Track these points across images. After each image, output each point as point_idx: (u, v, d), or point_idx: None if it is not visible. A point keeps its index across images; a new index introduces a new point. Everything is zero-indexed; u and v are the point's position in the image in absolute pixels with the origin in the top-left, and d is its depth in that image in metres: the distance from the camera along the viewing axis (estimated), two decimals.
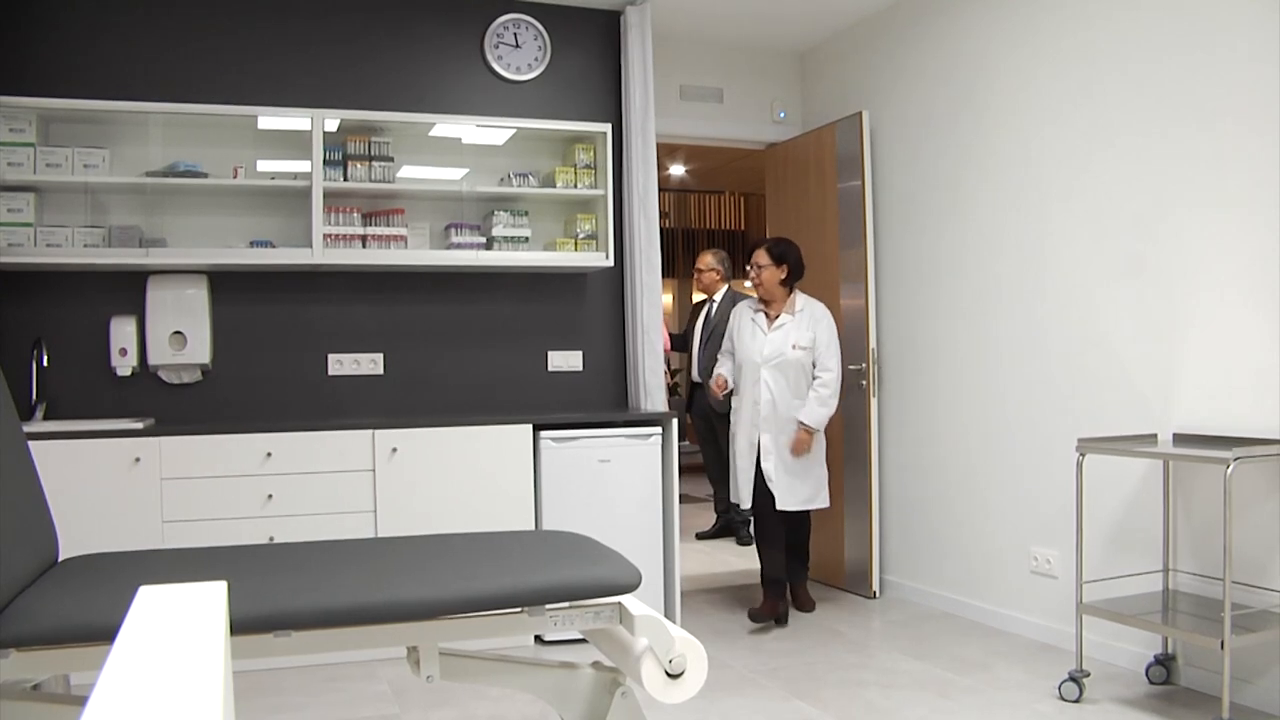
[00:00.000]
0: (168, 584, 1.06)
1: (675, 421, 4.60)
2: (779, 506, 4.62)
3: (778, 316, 4.70)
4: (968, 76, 4.71)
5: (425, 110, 4.85)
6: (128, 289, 4.46)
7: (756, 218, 11.12)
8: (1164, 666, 3.70)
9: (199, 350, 4.49)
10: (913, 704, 3.58)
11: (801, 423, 4.59)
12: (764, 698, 3.69)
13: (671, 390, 7.80)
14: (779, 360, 4.63)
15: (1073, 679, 3.56)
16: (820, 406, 4.60)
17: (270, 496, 4.09)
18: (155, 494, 3.96)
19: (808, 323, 4.67)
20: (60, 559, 2.15)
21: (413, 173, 4.83)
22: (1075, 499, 3.65)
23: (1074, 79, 4.13)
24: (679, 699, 1.93)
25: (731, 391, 4.86)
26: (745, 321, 4.79)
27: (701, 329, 6.60)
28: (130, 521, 3.91)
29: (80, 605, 1.73)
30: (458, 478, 4.30)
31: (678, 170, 10.34)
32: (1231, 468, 3.08)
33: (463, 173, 4.97)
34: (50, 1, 4.39)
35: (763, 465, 4.62)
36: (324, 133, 4.47)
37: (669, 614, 4.51)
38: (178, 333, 4.46)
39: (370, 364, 4.83)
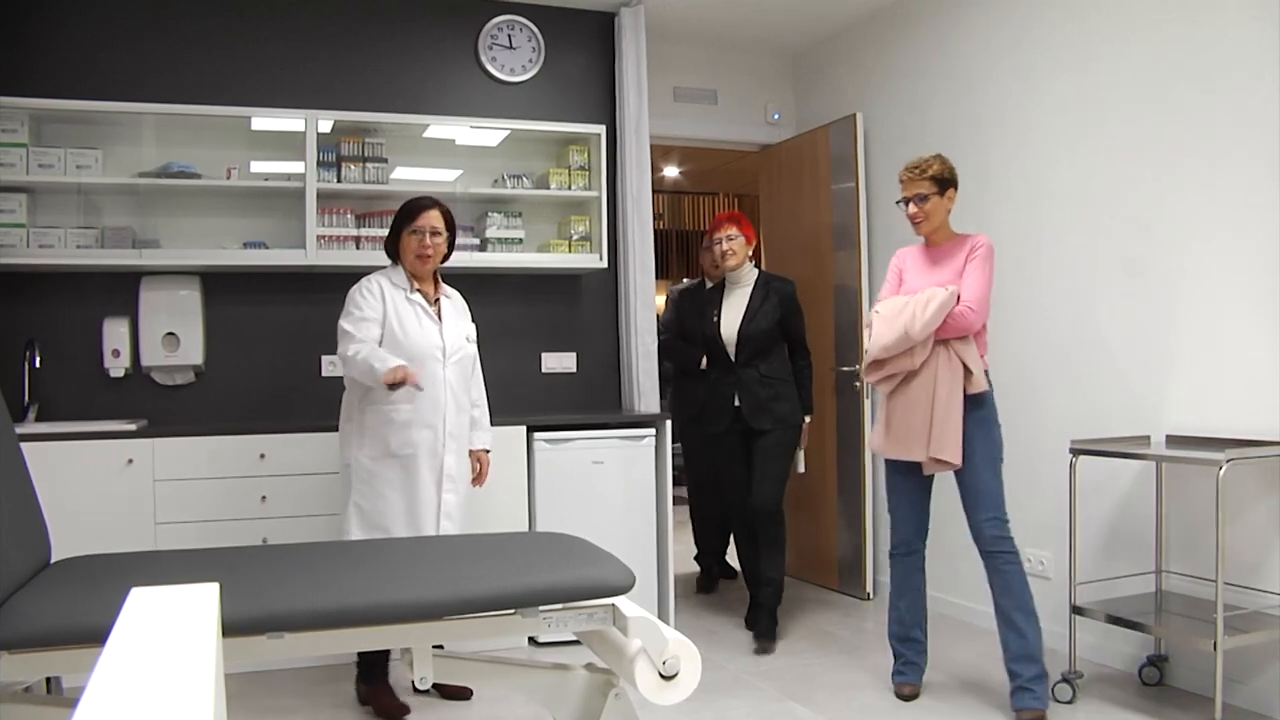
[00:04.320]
0: (160, 586, 1.06)
1: (669, 423, 4.60)
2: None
3: (436, 299, 3.67)
4: (962, 78, 4.72)
5: (419, 111, 4.84)
6: (121, 290, 4.45)
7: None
8: (1157, 668, 3.71)
9: (192, 351, 4.48)
10: (906, 705, 3.58)
11: (487, 451, 3.79)
12: (757, 699, 3.69)
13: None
14: (460, 356, 3.64)
15: (1066, 680, 3.57)
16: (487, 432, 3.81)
17: (264, 498, 4.08)
18: (148, 495, 3.95)
19: (462, 309, 3.78)
20: (53, 561, 2.14)
21: (406, 174, 4.83)
22: (1068, 501, 3.65)
23: (1069, 81, 4.14)
24: (672, 700, 1.94)
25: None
26: (401, 302, 3.57)
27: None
28: (123, 523, 3.90)
29: (72, 607, 1.73)
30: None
31: (671, 172, 10.34)
32: (1224, 469, 3.09)
33: (456, 174, 4.96)
34: (43, 2, 4.38)
35: (444, 498, 3.55)
36: (318, 134, 4.46)
37: (662, 615, 4.51)
38: (171, 334, 4.45)
39: None
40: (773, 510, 4.40)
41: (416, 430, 3.49)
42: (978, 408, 3.45)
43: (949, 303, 3.40)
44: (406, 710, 3.59)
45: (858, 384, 5.24)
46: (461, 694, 3.76)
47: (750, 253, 4.58)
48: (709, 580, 5.68)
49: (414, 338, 3.51)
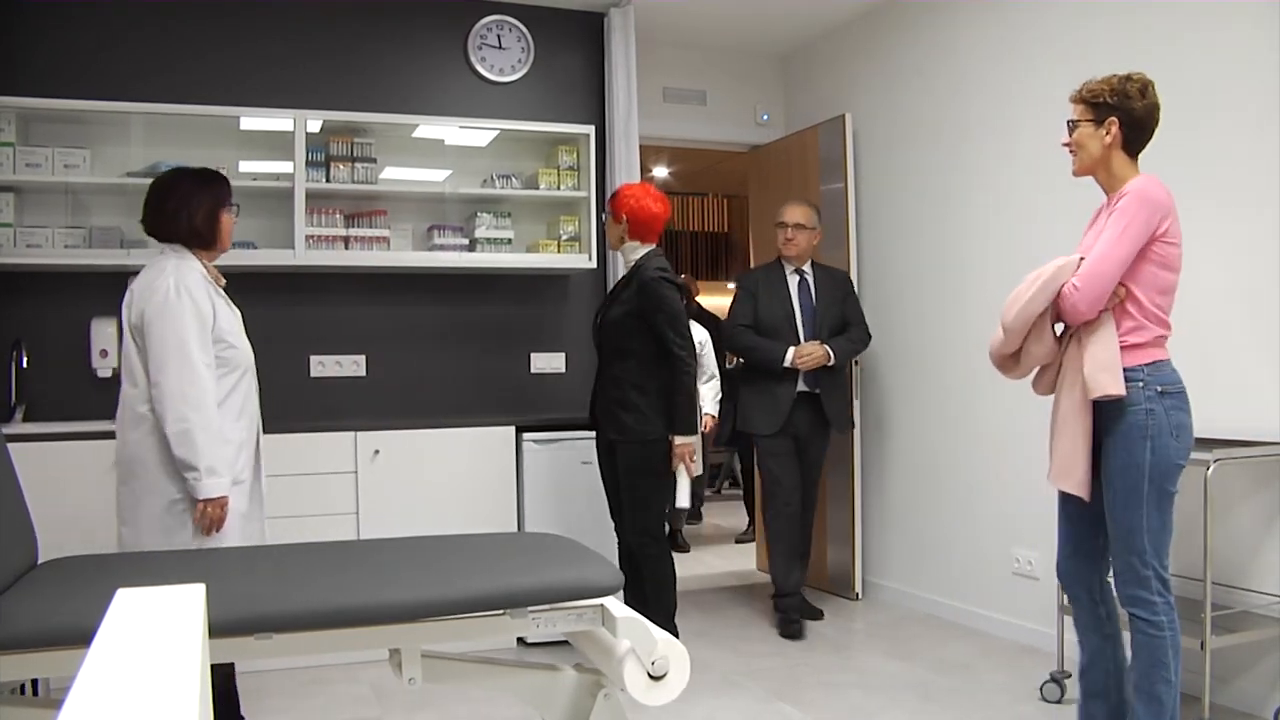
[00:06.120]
0: (146, 586, 1.06)
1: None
2: None
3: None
4: (951, 78, 4.73)
5: (408, 111, 4.83)
6: (109, 290, 4.41)
7: (739, 220, 11.13)
8: None
9: None
10: (895, 705, 3.59)
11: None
12: (747, 699, 3.69)
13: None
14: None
15: (1054, 680, 3.58)
16: None
17: None
18: None
19: None
20: (40, 562, 2.13)
21: (395, 174, 4.82)
22: (1056, 500, 3.64)
23: (1058, 80, 4.14)
24: (661, 701, 1.94)
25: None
26: (219, 302, 2.99)
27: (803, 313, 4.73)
28: (111, 524, 3.86)
29: (58, 608, 1.72)
30: (440, 480, 4.29)
31: (661, 172, 10.34)
32: (1212, 469, 3.10)
33: (445, 174, 4.96)
34: (30, 2, 4.36)
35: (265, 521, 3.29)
36: (306, 134, 4.45)
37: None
38: None
39: (353, 365, 4.81)
40: (640, 547, 3.90)
41: (246, 450, 3.06)
42: (1115, 418, 2.67)
43: (1060, 276, 2.67)
44: None
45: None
46: None
47: (624, 233, 3.95)
48: None
49: (242, 347, 2.99)
